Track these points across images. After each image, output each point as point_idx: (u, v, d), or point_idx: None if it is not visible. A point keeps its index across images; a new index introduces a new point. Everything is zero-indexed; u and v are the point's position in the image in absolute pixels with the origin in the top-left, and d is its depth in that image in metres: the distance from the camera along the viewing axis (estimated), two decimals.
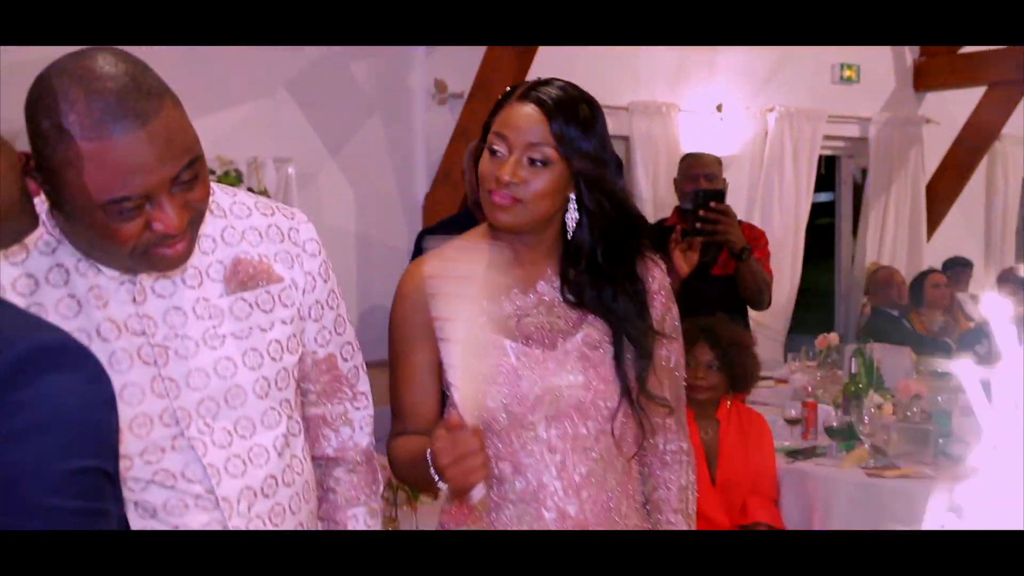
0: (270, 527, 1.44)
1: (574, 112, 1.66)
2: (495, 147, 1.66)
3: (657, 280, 1.77)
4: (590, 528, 1.70)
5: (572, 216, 1.71)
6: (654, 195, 5.46)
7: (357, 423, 1.64)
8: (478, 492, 1.48)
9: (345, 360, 1.61)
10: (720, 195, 3.63)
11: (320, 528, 1.63)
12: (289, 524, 1.47)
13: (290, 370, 1.49)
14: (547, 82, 1.71)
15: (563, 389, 1.67)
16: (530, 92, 1.68)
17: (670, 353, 1.78)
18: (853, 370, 3.66)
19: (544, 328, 1.72)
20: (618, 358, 1.70)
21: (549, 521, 1.69)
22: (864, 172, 6.79)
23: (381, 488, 1.73)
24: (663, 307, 1.76)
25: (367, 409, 1.66)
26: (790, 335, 6.12)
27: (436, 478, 1.52)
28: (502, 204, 1.66)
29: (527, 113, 1.65)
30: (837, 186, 7.07)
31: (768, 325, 5.99)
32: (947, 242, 6.97)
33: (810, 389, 3.92)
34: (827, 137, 6.44)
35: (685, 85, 5.77)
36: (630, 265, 1.74)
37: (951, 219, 7.08)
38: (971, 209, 7.31)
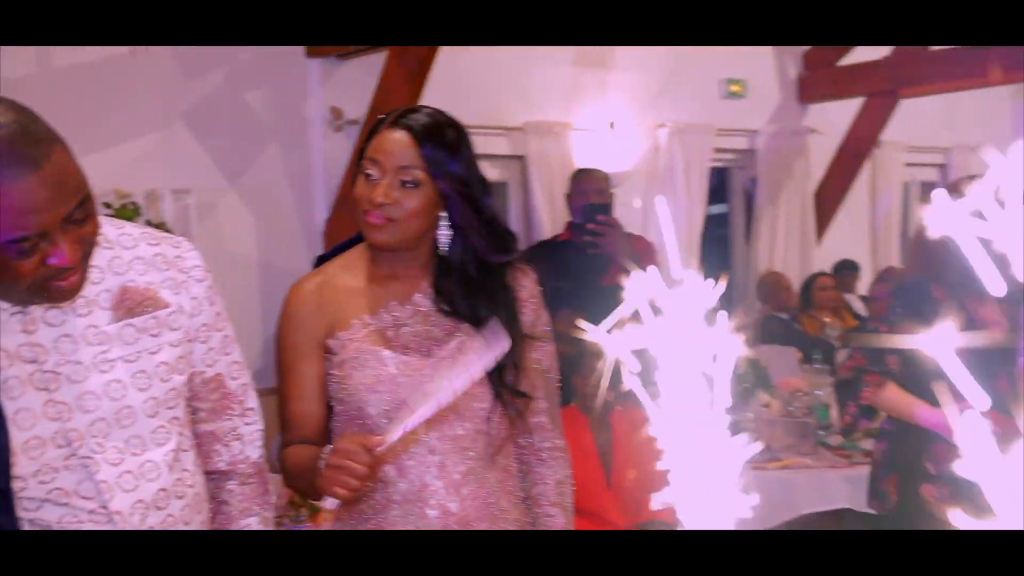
0: None
1: (441, 136, 1.80)
2: (369, 171, 1.78)
3: (527, 289, 1.91)
4: (472, 524, 1.82)
5: (444, 233, 1.85)
6: (551, 211, 5.63)
7: (247, 438, 1.74)
8: (330, 504, 1.60)
9: (233, 379, 1.71)
10: (606, 208, 3.79)
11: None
12: None
13: (179, 389, 1.59)
14: (415, 109, 1.84)
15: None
16: (400, 119, 1.81)
17: (542, 356, 1.92)
18: (739, 371, 3.85)
19: (420, 337, 1.84)
20: (495, 374, 1.82)
21: (432, 519, 1.81)
22: (755, 182, 7.07)
23: (273, 499, 1.82)
24: (533, 314, 1.89)
25: (256, 424, 1.76)
26: None
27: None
28: (377, 224, 1.78)
29: (397, 138, 1.78)
30: (730, 197, 7.34)
31: None
32: (836, 246, 7.27)
33: None
34: (717, 150, 6.69)
35: (578, 104, 5.95)
36: (500, 276, 1.87)
37: (838, 224, 7.40)
38: (857, 214, 7.64)
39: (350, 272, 1.88)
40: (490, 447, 1.85)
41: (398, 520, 1.82)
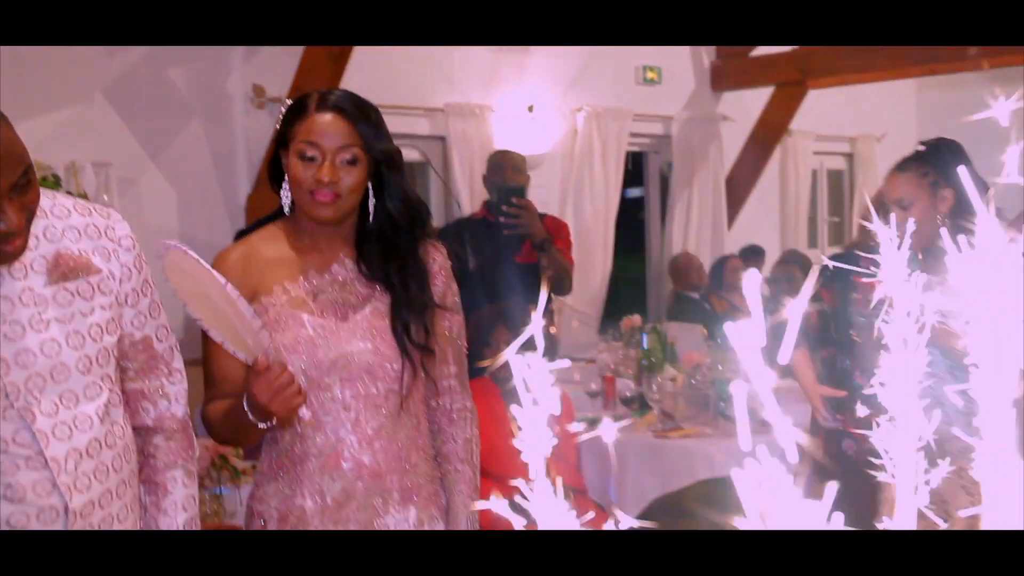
0: (95, 484, 1.65)
1: (368, 115, 1.96)
2: (309, 154, 1.92)
3: (438, 262, 2.06)
4: (383, 476, 1.98)
5: (371, 204, 2.00)
6: (470, 192, 5.76)
7: (173, 396, 1.86)
8: (305, 413, 1.76)
9: (160, 341, 1.83)
10: (521, 191, 3.95)
11: (142, 488, 1.84)
12: (112, 482, 1.68)
13: (110, 349, 1.70)
14: (331, 92, 1.98)
15: (354, 355, 1.94)
16: (326, 102, 1.95)
17: (452, 324, 2.07)
18: (645, 346, 4.05)
19: (337, 303, 1.99)
20: (401, 327, 1.97)
21: (347, 470, 1.96)
22: (670, 166, 7.30)
23: (197, 454, 1.95)
24: (444, 285, 2.05)
25: (181, 384, 1.88)
26: (603, 320, 6.53)
27: (256, 421, 1.78)
28: (325, 201, 1.93)
29: (332, 120, 1.92)
30: (645, 181, 7.56)
31: (583, 311, 6.40)
32: (747, 230, 7.54)
33: (612, 366, 4.30)
34: (633, 135, 6.89)
35: (497, 87, 6.08)
36: (414, 248, 2.02)
37: (749, 209, 7.67)
38: (767, 199, 7.93)
39: (271, 244, 2.02)
40: (401, 405, 2.00)
41: (315, 472, 1.97)
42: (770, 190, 7.93)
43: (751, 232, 7.50)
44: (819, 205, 8.66)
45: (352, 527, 2.00)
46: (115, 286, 1.72)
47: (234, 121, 5.00)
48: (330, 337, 1.95)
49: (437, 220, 5.87)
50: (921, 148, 2.69)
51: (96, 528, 1.68)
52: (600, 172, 6.56)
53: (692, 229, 7.25)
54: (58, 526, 1.61)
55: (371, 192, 2.00)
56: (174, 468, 1.87)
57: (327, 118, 1.92)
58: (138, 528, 1.81)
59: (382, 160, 1.97)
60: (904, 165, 2.67)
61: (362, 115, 1.95)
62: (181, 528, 1.88)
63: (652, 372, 3.86)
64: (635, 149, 7.20)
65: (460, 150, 5.81)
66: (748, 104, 7.42)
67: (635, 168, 7.36)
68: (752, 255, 7.09)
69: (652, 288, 7.49)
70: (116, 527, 1.72)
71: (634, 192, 7.70)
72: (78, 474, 1.62)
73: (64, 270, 1.65)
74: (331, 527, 2.00)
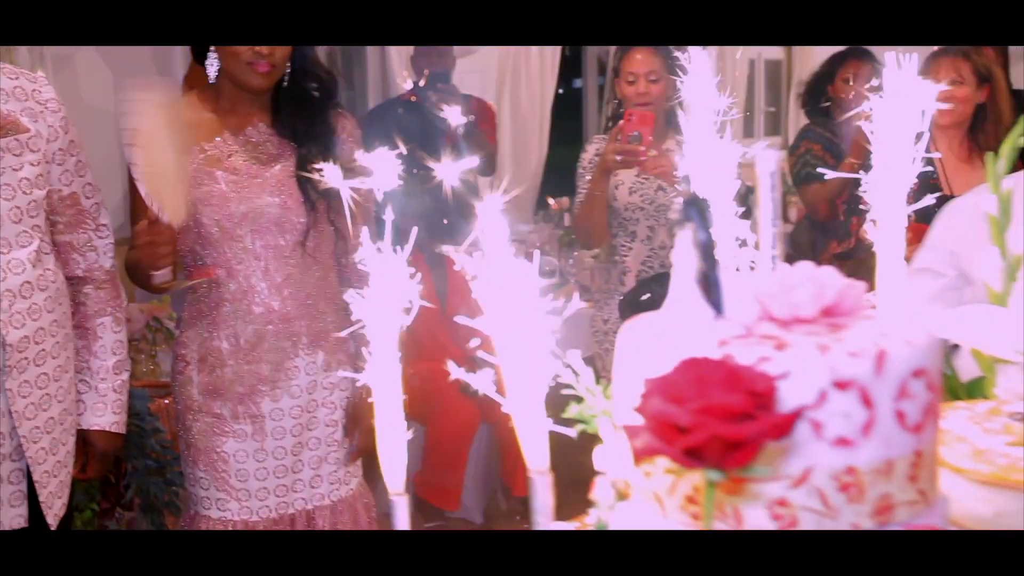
0: (28, 323, 1.82)
1: None
2: None
3: (347, 130, 2.26)
4: (292, 320, 2.21)
5: (286, 75, 2.21)
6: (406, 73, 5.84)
7: (101, 249, 2.05)
8: (162, 275, 1.95)
9: (87, 198, 2.00)
10: (446, 76, 4.08)
11: (74, 333, 2.02)
12: (45, 320, 1.86)
13: (39, 202, 1.86)
14: None
15: (263, 208, 2.13)
16: None
17: (360, 187, 2.27)
18: (567, 224, 4.25)
19: (250, 162, 2.19)
20: (307, 186, 2.15)
21: (258, 315, 2.19)
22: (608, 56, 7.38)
23: (124, 303, 2.14)
24: (351, 150, 2.23)
25: (109, 238, 2.07)
26: (538, 203, 6.70)
27: (145, 268, 2.00)
28: (263, 71, 2.14)
29: None
30: (584, 71, 7.64)
31: (519, 194, 6.56)
32: None
33: (538, 244, 4.49)
34: None
35: None
36: (324, 114, 2.22)
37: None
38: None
39: (193, 108, 2.19)
40: (308, 257, 2.21)
41: (229, 316, 2.20)
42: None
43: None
44: (756, 96, 8.81)
45: (264, 368, 2.21)
46: (43, 144, 1.87)
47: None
48: (241, 192, 2.15)
49: (374, 101, 5.96)
50: None
51: (31, 361, 1.86)
52: (537, 60, 6.63)
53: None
54: None
55: (288, 63, 2.18)
56: (103, 315, 2.07)
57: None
58: (71, 364, 2.00)
59: None
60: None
61: None
62: (111, 368, 2.07)
63: (571, 248, 4.06)
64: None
65: None
66: None
67: (573, 58, 7.43)
68: None
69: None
70: (49, 362, 1.90)
71: (579, 83, 7.78)
72: (12, 312, 1.79)
73: None
74: (245, 367, 2.20)
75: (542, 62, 6.65)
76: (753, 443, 0.68)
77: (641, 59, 3.15)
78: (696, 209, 0.82)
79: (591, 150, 3.21)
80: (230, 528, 2.24)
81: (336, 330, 2.27)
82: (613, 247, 3.24)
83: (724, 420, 0.67)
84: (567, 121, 7.52)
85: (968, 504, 0.99)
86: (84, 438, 2.09)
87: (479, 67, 6.03)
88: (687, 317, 0.85)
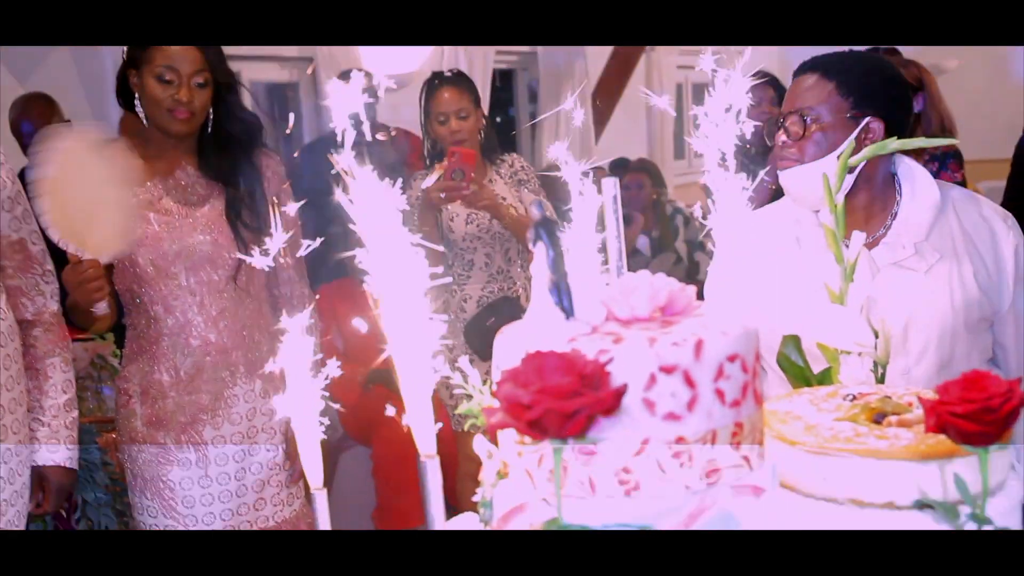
0: None
1: None
2: (167, 77, 2.26)
3: (271, 168, 2.42)
4: (229, 352, 2.35)
5: (209, 117, 2.35)
6: None
7: (48, 293, 2.19)
8: (100, 308, 2.09)
9: (34, 244, 2.15)
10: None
11: (25, 372, 2.15)
12: None
13: None
14: None
15: (195, 246, 2.29)
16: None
17: (286, 221, 2.42)
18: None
19: (180, 203, 2.34)
20: (236, 223, 2.32)
21: (196, 347, 2.33)
22: (537, 83, 7.60)
23: (70, 344, 2.28)
24: (276, 186, 2.39)
25: (54, 283, 2.22)
26: None
27: (81, 306, 2.13)
28: (183, 118, 2.28)
29: (184, 47, 2.26)
30: (515, 98, 7.86)
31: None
32: (613, 145, 7.93)
33: None
34: (500, 52, 7.16)
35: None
36: (248, 153, 2.38)
37: (615, 123, 8.05)
38: (634, 113, 8.32)
39: (124, 154, 2.33)
40: (241, 291, 2.35)
41: (168, 349, 2.34)
42: (636, 104, 8.31)
43: (618, 147, 7.88)
44: (684, 118, 9.08)
45: (204, 398, 2.35)
46: None
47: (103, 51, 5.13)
48: (173, 232, 2.30)
49: (309, 136, 6.11)
50: None
51: None
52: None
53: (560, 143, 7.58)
54: None
55: (211, 108, 2.34)
56: (52, 355, 2.21)
57: (180, 45, 2.24)
58: (24, 399, 2.13)
59: (223, 81, 2.33)
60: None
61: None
62: (62, 406, 2.20)
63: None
64: (503, 67, 7.48)
65: (328, 71, 6.02)
66: None
67: (504, 85, 7.65)
68: (618, 167, 7.49)
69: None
70: (4, 395, 2.04)
71: (512, 112, 8.00)
72: None
73: None
74: (185, 398, 2.34)
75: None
76: (583, 415, 0.85)
77: (448, 98, 3.32)
78: (545, 230, 0.99)
79: (416, 186, 3.30)
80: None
81: (271, 359, 2.41)
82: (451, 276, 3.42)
83: (558, 398, 0.84)
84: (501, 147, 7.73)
85: (800, 470, 1.17)
86: (39, 474, 2.19)
87: (411, 100, 6.20)
88: (543, 320, 1.02)
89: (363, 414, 4.04)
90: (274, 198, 2.36)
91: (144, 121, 2.33)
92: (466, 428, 1.15)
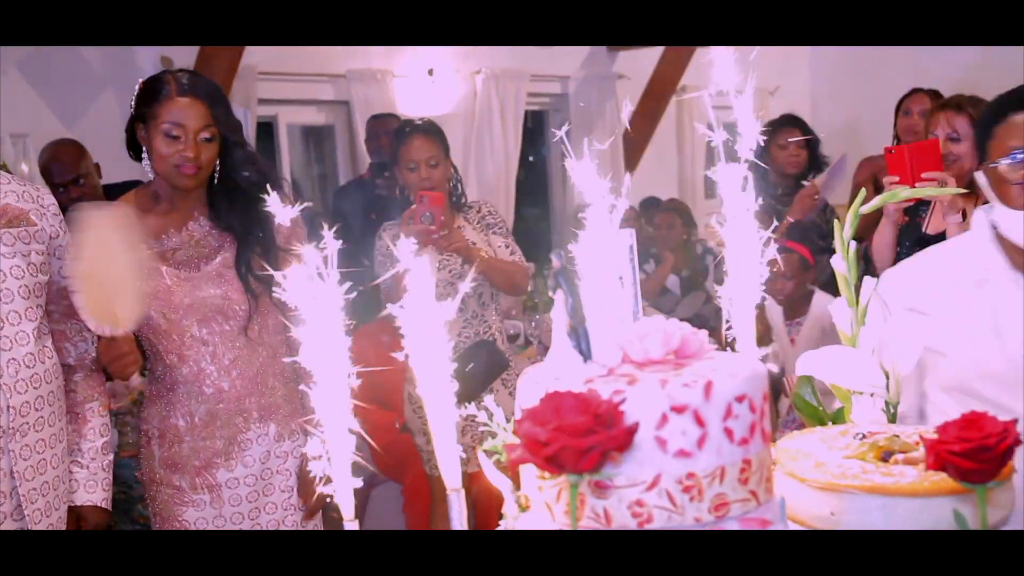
0: (31, 390, 2.08)
1: (219, 96, 2.37)
2: (174, 133, 2.31)
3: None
4: (243, 399, 2.42)
5: (217, 171, 2.40)
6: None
7: (90, 340, 2.32)
8: (134, 381, 2.19)
9: None
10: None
11: (67, 415, 2.26)
12: (44, 391, 2.11)
13: (43, 285, 2.15)
14: (184, 75, 2.37)
15: (206, 299, 2.37)
16: (184, 86, 2.33)
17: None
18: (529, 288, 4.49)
19: (192, 256, 2.40)
20: (246, 275, 2.38)
21: (209, 395, 2.39)
22: (570, 125, 7.70)
23: (107, 390, 2.40)
24: (289, 231, 2.35)
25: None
26: None
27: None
28: (190, 173, 2.34)
29: (190, 103, 2.32)
30: (546, 139, 7.97)
31: None
32: (645, 185, 8.01)
33: (504, 309, 4.74)
34: (532, 94, 7.28)
35: (398, 52, 6.42)
36: (259, 203, 2.39)
37: (646, 164, 8.13)
38: (665, 154, 8.40)
39: (139, 207, 2.42)
40: (253, 340, 2.42)
41: (184, 396, 2.41)
42: (667, 145, 8.39)
43: (649, 187, 7.96)
44: (714, 158, 9.13)
45: (218, 443, 2.42)
46: (46, 239, 2.16)
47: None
48: (184, 285, 2.37)
49: (343, 179, 6.23)
50: None
51: (31, 426, 2.10)
52: (500, 132, 6.94)
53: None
54: (1, 422, 2.03)
55: (219, 161, 2.39)
56: (91, 400, 2.32)
57: (186, 101, 2.31)
58: (64, 435, 2.23)
59: (229, 134, 2.38)
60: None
61: (215, 97, 2.36)
62: (99, 449, 2.30)
63: (535, 312, 4.31)
64: (534, 108, 7.59)
65: (363, 114, 6.15)
66: (643, 63, 7.84)
67: (536, 127, 7.77)
68: (649, 206, 7.56)
69: (556, 236, 7.94)
70: (47, 429, 2.15)
71: (544, 151, 8.12)
72: (18, 378, 2.05)
73: (9, 217, 2.08)
74: (200, 442, 2.41)
75: (504, 132, 6.97)
76: (597, 451, 0.91)
77: (419, 145, 3.34)
78: (564, 277, 1.06)
79: (386, 237, 3.35)
80: None
81: (286, 403, 2.47)
82: None
83: (573, 435, 0.91)
84: (533, 188, 7.83)
85: (809, 506, 1.23)
86: (77, 514, 2.28)
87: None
88: (562, 362, 1.09)
89: (396, 454, 4.11)
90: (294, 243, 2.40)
91: (151, 174, 2.38)
92: (492, 461, 1.21)
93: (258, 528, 2.46)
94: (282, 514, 2.49)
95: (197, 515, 2.42)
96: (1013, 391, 1.72)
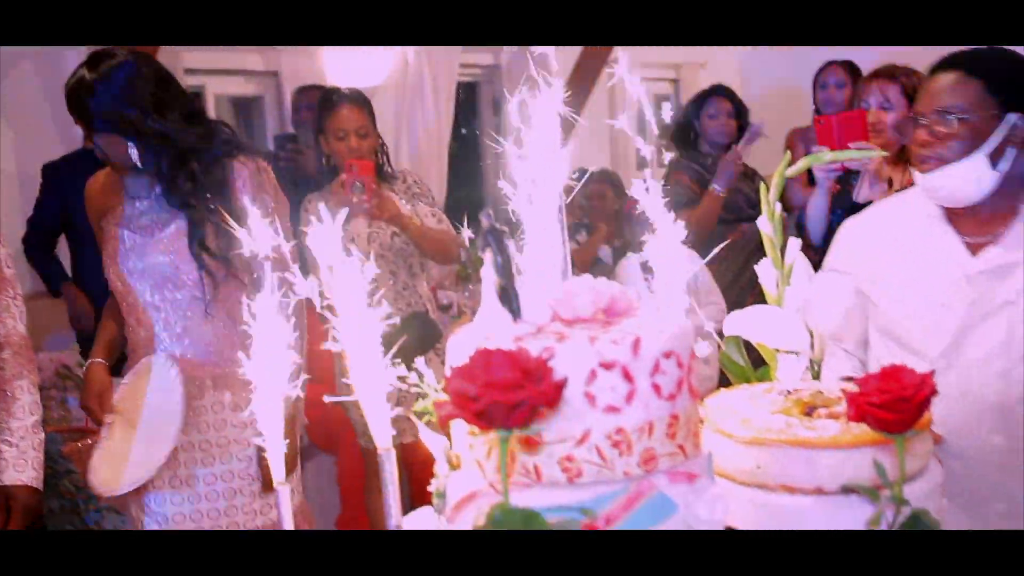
0: None
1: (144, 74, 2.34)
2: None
3: (242, 177, 2.39)
4: (196, 369, 2.42)
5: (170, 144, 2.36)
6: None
7: (17, 316, 2.26)
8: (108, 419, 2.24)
9: (8, 267, 2.22)
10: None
11: None
12: None
13: None
14: (103, 57, 2.33)
15: (156, 266, 2.36)
16: (92, 72, 2.31)
17: None
18: (463, 260, 4.49)
19: (150, 222, 2.40)
20: (197, 241, 2.35)
21: (164, 359, 2.39)
22: (502, 95, 7.69)
23: (37, 367, 2.36)
24: (251, 196, 2.31)
25: (22, 307, 2.29)
26: None
27: None
28: (107, 164, 2.40)
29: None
30: (478, 110, 7.95)
31: None
32: (578, 155, 8.02)
33: (437, 279, 4.73)
34: (464, 65, 7.24)
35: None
36: (213, 170, 2.37)
37: (579, 134, 8.14)
38: (596, 125, 8.42)
39: (108, 178, 2.47)
40: (206, 308, 2.40)
41: (142, 357, 2.42)
42: (599, 115, 8.42)
43: (582, 157, 7.98)
44: (646, 131, 9.19)
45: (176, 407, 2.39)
46: None
47: (65, 60, 5.15)
48: (137, 250, 2.38)
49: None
50: None
51: None
52: (432, 104, 6.90)
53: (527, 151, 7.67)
54: None
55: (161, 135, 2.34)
56: (20, 378, 2.26)
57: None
58: None
59: (133, 118, 2.32)
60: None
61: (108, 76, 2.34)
62: (30, 428, 2.25)
63: (467, 282, 4.31)
64: (467, 79, 7.56)
65: (293, 85, 6.06)
66: None
67: (468, 98, 7.73)
68: (579, 176, 7.58)
69: (489, 207, 7.93)
70: None
71: (475, 124, 8.09)
72: None
73: None
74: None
75: (436, 103, 6.92)
76: (526, 406, 0.92)
77: (348, 115, 3.33)
78: (493, 237, 1.06)
79: (311, 209, 3.34)
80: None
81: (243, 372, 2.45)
82: None
83: (502, 390, 0.91)
84: (465, 162, 7.81)
85: (736, 460, 1.26)
86: (6, 493, 2.24)
87: (376, 112, 6.27)
88: (492, 321, 1.10)
89: (328, 425, 4.09)
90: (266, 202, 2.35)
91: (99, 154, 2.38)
92: (424, 422, 1.22)
93: (213, 494, 2.46)
94: (239, 483, 2.48)
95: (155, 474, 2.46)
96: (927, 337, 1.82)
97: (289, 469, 2.50)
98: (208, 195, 2.34)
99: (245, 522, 2.48)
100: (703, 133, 4.35)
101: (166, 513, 2.43)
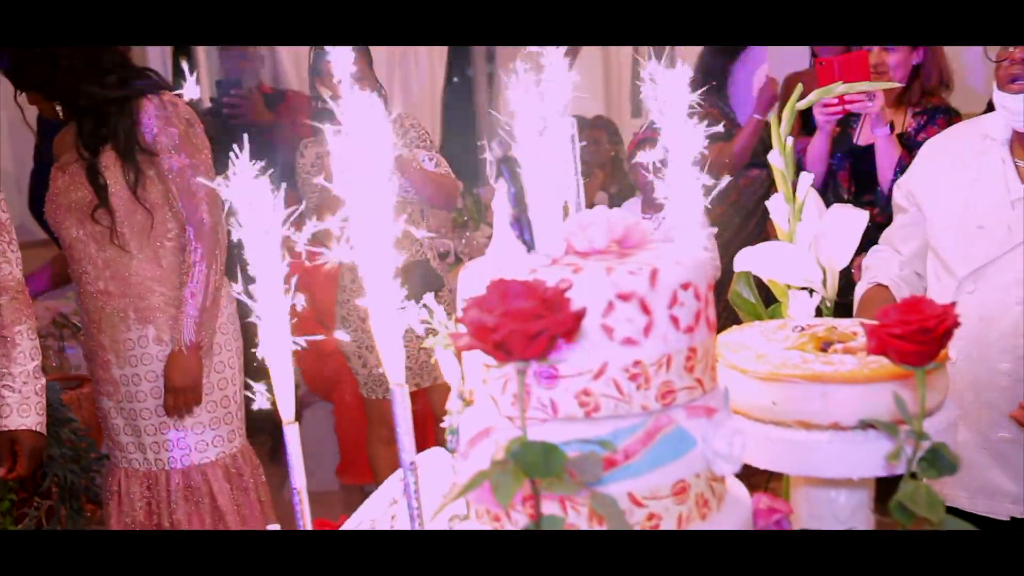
0: None
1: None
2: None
3: (147, 112, 2.50)
4: (118, 298, 2.63)
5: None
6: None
7: (14, 261, 2.24)
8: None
9: (3, 211, 2.19)
10: (237, 82, 4.31)
11: None
12: None
13: None
14: None
15: (74, 202, 2.53)
16: None
17: (171, 164, 2.51)
18: (459, 206, 4.45)
19: (76, 165, 2.54)
20: (97, 181, 2.50)
21: (92, 293, 2.62)
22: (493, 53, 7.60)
23: (34, 312, 2.36)
24: (158, 130, 2.50)
25: (18, 252, 2.30)
26: None
27: None
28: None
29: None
30: (472, 61, 7.85)
31: None
32: (573, 100, 7.95)
33: (433, 227, 4.69)
34: None
35: None
36: (119, 109, 2.49)
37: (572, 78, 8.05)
38: (591, 71, 8.35)
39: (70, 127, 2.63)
40: (128, 242, 2.54)
41: (81, 294, 2.68)
42: (593, 62, 8.33)
43: (575, 103, 7.90)
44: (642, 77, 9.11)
45: (105, 340, 2.59)
46: None
47: None
48: (62, 188, 2.54)
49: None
50: None
51: None
52: (424, 50, 6.82)
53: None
54: None
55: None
56: (19, 323, 2.25)
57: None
58: None
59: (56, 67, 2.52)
60: None
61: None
62: (31, 373, 2.24)
63: (464, 229, 4.27)
64: None
65: None
66: None
67: (462, 47, 7.63)
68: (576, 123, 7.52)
69: (480, 157, 7.88)
70: None
71: (470, 72, 7.99)
72: None
73: None
74: (94, 340, 2.61)
75: (430, 51, 6.84)
76: (544, 336, 0.90)
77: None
78: (506, 166, 1.03)
79: (309, 155, 3.37)
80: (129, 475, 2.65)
81: (168, 307, 2.57)
82: None
83: (521, 320, 0.89)
84: (458, 110, 7.72)
85: (751, 396, 1.24)
86: (11, 438, 2.24)
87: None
88: (506, 252, 1.07)
89: (325, 370, 4.08)
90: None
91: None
92: (439, 349, 1.19)
93: (165, 425, 2.62)
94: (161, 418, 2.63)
95: (108, 404, 2.67)
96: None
97: (171, 408, 2.59)
98: (122, 136, 2.48)
99: (182, 456, 2.66)
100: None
101: (121, 442, 2.68)
